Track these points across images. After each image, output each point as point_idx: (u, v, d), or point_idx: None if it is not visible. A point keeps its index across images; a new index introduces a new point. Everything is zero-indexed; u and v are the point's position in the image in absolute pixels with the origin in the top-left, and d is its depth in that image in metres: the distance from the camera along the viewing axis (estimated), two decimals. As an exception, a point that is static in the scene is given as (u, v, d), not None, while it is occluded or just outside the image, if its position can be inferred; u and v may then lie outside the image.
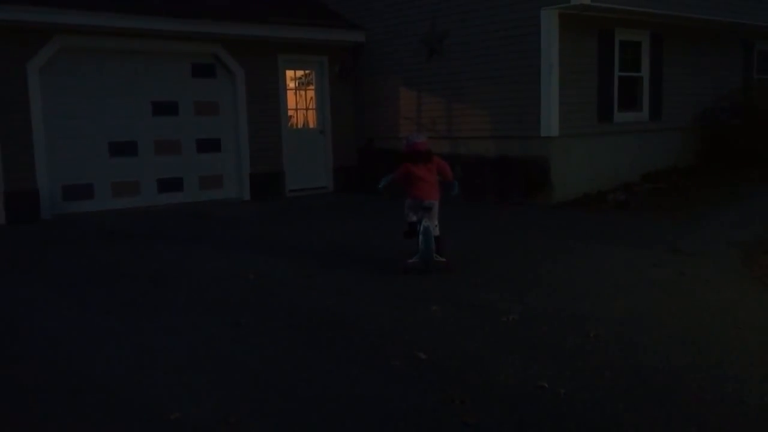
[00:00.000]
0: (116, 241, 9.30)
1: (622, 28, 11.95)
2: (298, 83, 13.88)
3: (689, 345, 5.02)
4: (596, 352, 4.93)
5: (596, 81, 11.75)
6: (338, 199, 13.32)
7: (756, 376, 4.44)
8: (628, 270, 7.15)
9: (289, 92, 13.53)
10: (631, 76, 12.42)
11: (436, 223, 7.28)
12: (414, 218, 7.37)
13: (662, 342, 5.09)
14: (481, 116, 12.06)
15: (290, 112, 13.59)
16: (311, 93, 13.90)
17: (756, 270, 6.99)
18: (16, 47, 10.33)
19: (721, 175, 12.35)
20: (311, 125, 13.97)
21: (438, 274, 7.12)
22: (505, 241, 8.81)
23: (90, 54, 11.11)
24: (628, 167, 12.30)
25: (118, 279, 7.29)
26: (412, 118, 13.26)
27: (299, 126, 13.86)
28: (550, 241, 8.72)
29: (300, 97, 13.89)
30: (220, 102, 12.56)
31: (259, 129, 12.82)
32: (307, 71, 13.80)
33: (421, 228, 7.06)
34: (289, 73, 13.49)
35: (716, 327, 5.39)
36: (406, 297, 6.38)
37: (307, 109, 13.94)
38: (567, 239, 8.74)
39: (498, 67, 11.66)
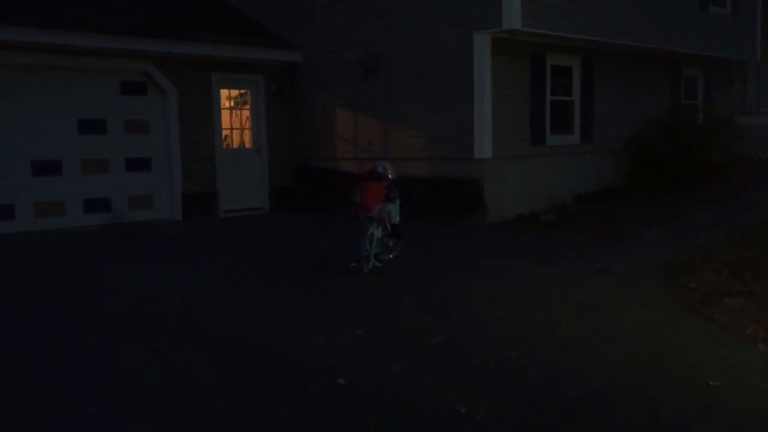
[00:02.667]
0: (34, 264, 8.92)
1: (554, 53, 12.17)
2: (233, 102, 13.69)
3: (606, 366, 5.04)
4: (517, 374, 4.90)
5: (529, 104, 11.91)
6: (275, 219, 13.13)
7: (668, 398, 4.46)
8: (555, 290, 7.19)
9: (223, 111, 13.32)
10: (563, 100, 12.65)
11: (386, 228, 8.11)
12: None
13: (581, 363, 5.09)
14: (417, 138, 12.09)
15: (225, 132, 13.37)
16: (246, 112, 13.73)
17: (676, 291, 7.11)
18: (-68, 61, 9.91)
19: (649, 197, 12.63)
20: (247, 145, 13.78)
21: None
22: (436, 261, 8.78)
23: (11, 70, 10.71)
24: (561, 189, 12.47)
25: (35, 304, 6.97)
26: (348, 138, 13.21)
27: (234, 145, 13.66)
28: (478, 260, 8.74)
29: (235, 117, 13.69)
30: (151, 120, 12.27)
31: (191, 148, 12.56)
32: (242, 90, 13.63)
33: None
34: (224, 92, 13.29)
35: (633, 349, 5.43)
36: (333, 319, 6.27)
37: (242, 128, 13.76)
38: (496, 259, 8.77)
39: (432, 89, 11.72)
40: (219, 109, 13.11)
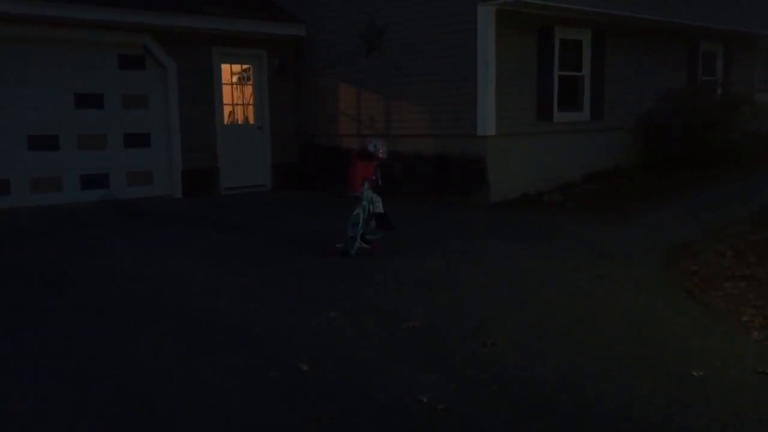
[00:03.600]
0: (24, 240, 8.80)
1: (563, 26, 11.75)
2: (236, 77, 13.44)
3: (587, 354, 4.76)
4: (490, 362, 4.64)
5: (535, 80, 11.53)
6: (276, 196, 12.93)
7: (645, 389, 4.17)
8: (546, 273, 6.89)
9: (225, 86, 13.07)
10: (572, 75, 12.23)
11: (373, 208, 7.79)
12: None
13: (560, 351, 4.82)
14: (420, 114, 11.77)
15: (226, 108, 13.15)
16: (249, 88, 13.48)
17: (675, 274, 6.78)
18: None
19: (661, 176, 12.23)
20: (249, 121, 13.55)
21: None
22: (429, 241, 8.51)
23: (6, 43, 10.54)
24: (569, 167, 12.10)
25: (12, 280, 6.83)
26: (351, 115, 12.92)
27: (236, 121, 13.43)
28: (475, 241, 8.45)
29: (237, 92, 13.46)
30: (150, 95, 12.07)
31: (192, 124, 12.36)
32: (244, 65, 13.37)
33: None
34: (225, 67, 13.03)
35: (618, 336, 5.14)
36: (310, 301, 6.05)
37: (245, 104, 13.52)
38: (493, 240, 8.48)
39: (436, 63, 11.37)
40: (220, 84, 12.87)
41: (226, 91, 13.09)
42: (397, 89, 12.03)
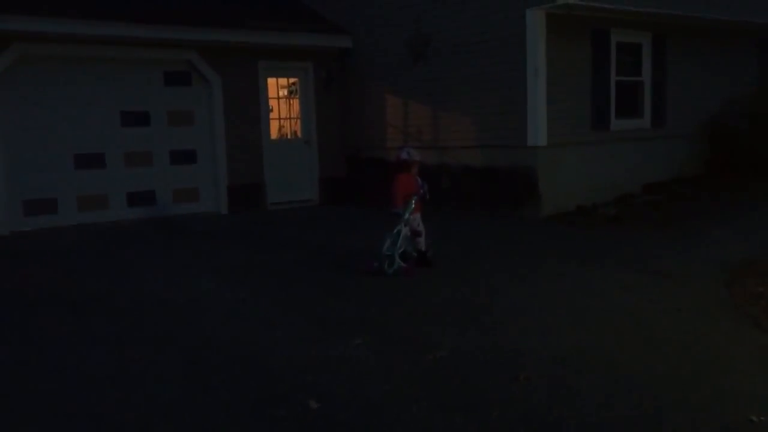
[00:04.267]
0: (58, 260, 8.74)
1: (619, 29, 11.13)
2: (282, 91, 13.30)
3: (627, 393, 4.24)
4: (519, 399, 4.19)
5: (590, 86, 10.94)
6: (322, 211, 12.67)
7: (696, 437, 3.66)
8: (593, 296, 6.36)
9: (271, 101, 12.94)
10: (631, 81, 11.57)
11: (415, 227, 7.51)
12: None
13: (600, 387, 4.32)
14: (468, 125, 11.33)
15: (273, 122, 13.00)
16: (295, 101, 13.30)
17: (739, 296, 6.15)
18: (-27, 56, 9.92)
19: (729, 186, 11.43)
20: (296, 135, 13.37)
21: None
22: (474, 258, 8.06)
23: (53, 62, 10.64)
24: (627, 178, 11.44)
25: (38, 304, 6.72)
26: (398, 127, 12.58)
27: (282, 136, 13.27)
28: (521, 259, 7.95)
29: (283, 106, 13.30)
30: (196, 111, 12.02)
31: (237, 139, 12.25)
32: (290, 79, 13.20)
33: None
34: (271, 81, 12.90)
35: (668, 370, 4.59)
36: (337, 326, 5.69)
37: (290, 118, 13.34)
38: (540, 258, 7.96)
39: (483, 72, 10.92)
40: (266, 98, 12.73)
41: (272, 105, 12.95)
42: (444, 99, 11.63)
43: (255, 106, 12.46)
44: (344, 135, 13.57)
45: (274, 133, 13.03)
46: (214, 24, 11.70)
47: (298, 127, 13.38)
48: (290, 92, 13.34)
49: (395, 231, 7.30)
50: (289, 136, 13.35)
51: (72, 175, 10.91)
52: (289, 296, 6.71)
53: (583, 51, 10.83)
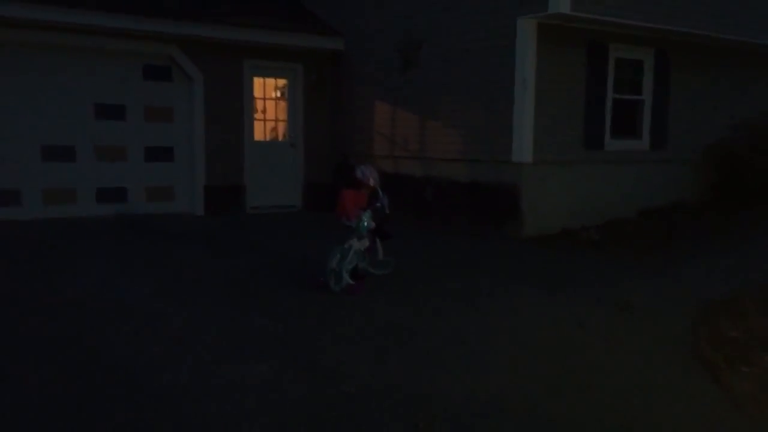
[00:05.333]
0: (9, 256, 8.35)
1: (619, 43, 10.50)
2: (272, 92, 12.84)
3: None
4: (409, 452, 3.64)
5: (584, 102, 10.31)
6: (303, 218, 12.16)
7: None
8: (543, 328, 5.78)
9: (259, 101, 12.49)
10: (630, 99, 10.93)
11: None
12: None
13: (507, 444, 3.76)
14: (454, 136, 10.77)
15: (257, 123, 12.54)
16: (282, 103, 12.85)
17: (703, 340, 5.52)
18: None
19: (730, 215, 10.71)
20: (280, 137, 12.90)
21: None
22: (435, 277, 7.50)
23: (25, 49, 10.28)
24: (622, 202, 10.77)
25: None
26: (386, 135, 12.06)
27: (266, 138, 12.80)
28: (482, 282, 7.37)
29: (269, 107, 12.84)
30: (175, 108, 11.59)
31: (218, 139, 11.80)
32: (278, 79, 12.74)
33: None
34: (258, 81, 12.44)
35: (594, 423, 4.01)
36: (251, 346, 5.18)
37: (276, 120, 12.89)
38: (504, 282, 7.37)
39: (471, 82, 10.37)
40: (251, 98, 12.27)
41: (257, 105, 12.50)
42: (432, 109, 11.09)
43: (238, 106, 12.01)
44: (333, 140, 13.08)
45: (258, 135, 12.57)
46: (197, 18, 11.28)
47: (283, 129, 12.92)
48: (276, 92, 12.88)
49: (346, 245, 6.79)
50: (273, 139, 12.89)
51: (38, 167, 10.52)
52: (217, 310, 6.20)
53: (578, 65, 10.21)
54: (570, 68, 10.12)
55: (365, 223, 6.82)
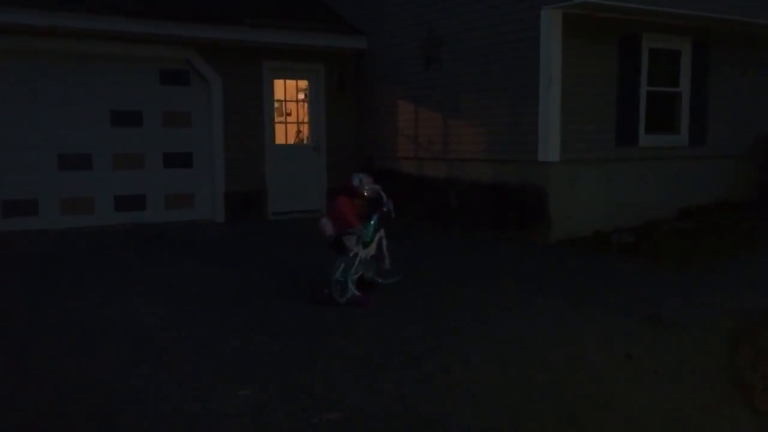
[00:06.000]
0: (7, 266, 8.16)
1: (653, 33, 9.88)
2: (289, 94, 12.53)
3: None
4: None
5: (615, 96, 9.73)
6: (328, 224, 11.76)
7: None
8: (564, 344, 5.28)
9: (277, 104, 12.19)
10: (666, 92, 10.29)
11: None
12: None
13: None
14: (478, 135, 10.29)
15: (278, 126, 12.24)
16: (304, 105, 12.51)
17: (742, 357, 4.96)
18: (-48, 48, 9.49)
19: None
20: (303, 141, 12.58)
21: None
22: (451, 287, 7.05)
23: (41, 57, 10.14)
24: (660, 201, 10.15)
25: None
26: (409, 135, 11.63)
27: (288, 141, 12.49)
28: (502, 292, 6.89)
29: (291, 110, 12.54)
30: (193, 113, 11.36)
31: (237, 143, 11.53)
32: (299, 81, 12.42)
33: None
34: (278, 83, 12.14)
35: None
36: (239, 369, 4.81)
37: (298, 123, 12.58)
38: (525, 291, 6.87)
39: (495, 78, 9.88)
40: (271, 101, 11.97)
41: (278, 108, 12.20)
42: (455, 107, 10.63)
43: (258, 109, 11.72)
44: (357, 143, 12.70)
45: (279, 138, 12.26)
46: (213, 20, 11.02)
47: (306, 132, 12.59)
48: (298, 94, 12.56)
49: (351, 254, 6.39)
50: (296, 142, 12.58)
51: (55, 176, 10.38)
52: (213, 328, 5.83)
53: (609, 57, 9.63)
54: (600, 60, 9.55)
55: (373, 229, 6.41)
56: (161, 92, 11.08)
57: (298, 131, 12.65)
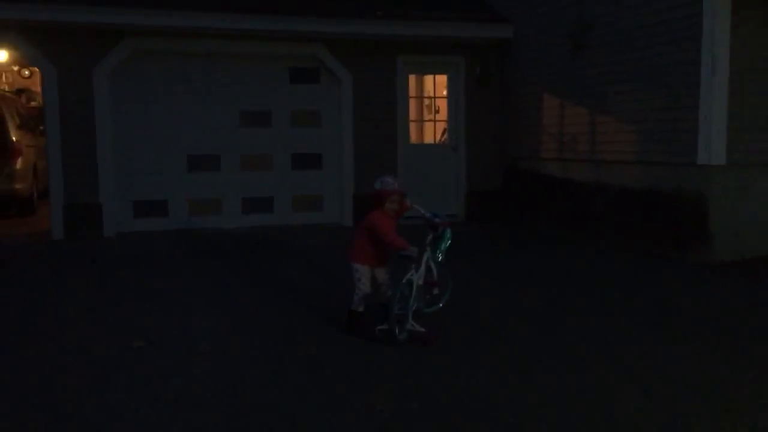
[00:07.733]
0: (130, 268, 8.06)
1: None
2: (425, 90, 11.66)
3: None
4: None
5: (805, 83, 7.81)
6: (467, 231, 10.75)
7: None
8: (671, 417, 3.95)
9: (412, 101, 11.38)
10: None
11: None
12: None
13: None
14: (628, 133, 8.79)
15: (412, 125, 11.43)
16: (443, 102, 11.59)
17: None
18: (82, 51, 9.66)
19: None
20: (440, 140, 11.67)
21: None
22: (558, 319, 5.83)
23: (168, 58, 10.16)
24: None
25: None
26: (554, 133, 10.31)
27: (424, 141, 11.64)
28: (626, 332, 5.50)
29: (427, 107, 11.67)
30: (323, 112, 10.89)
31: (368, 144, 10.89)
32: (437, 75, 11.51)
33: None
34: (413, 78, 11.32)
35: None
36: (265, 415, 4.07)
37: (435, 121, 11.68)
38: (659, 334, 5.45)
39: (649, 64, 8.34)
40: (406, 98, 11.20)
41: (412, 105, 11.39)
42: (603, 100, 9.20)
43: (391, 107, 10.99)
44: (500, 142, 11.56)
45: (414, 138, 11.46)
46: (343, 14, 10.44)
47: (444, 131, 11.66)
48: (435, 90, 11.67)
49: (405, 281, 5.27)
50: (432, 142, 11.70)
51: (184, 177, 10.38)
52: (242, 366, 4.99)
53: (797, 34, 7.75)
54: (782, 40, 7.70)
55: (448, 244, 5.39)
56: (290, 91, 10.73)
57: (435, 130, 11.76)
